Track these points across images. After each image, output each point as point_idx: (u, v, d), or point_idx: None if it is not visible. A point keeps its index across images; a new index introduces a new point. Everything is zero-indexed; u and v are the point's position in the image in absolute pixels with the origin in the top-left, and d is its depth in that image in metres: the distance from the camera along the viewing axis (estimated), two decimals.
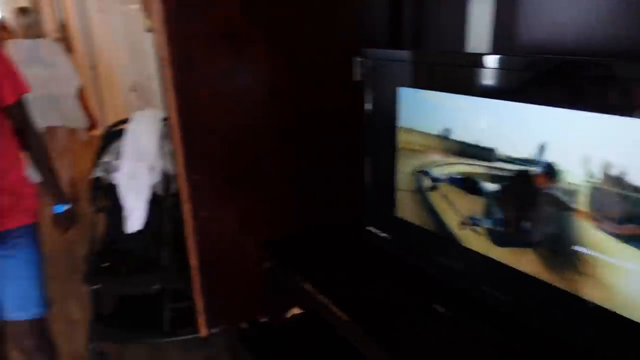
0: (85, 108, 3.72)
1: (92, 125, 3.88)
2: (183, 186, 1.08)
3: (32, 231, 1.47)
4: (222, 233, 1.16)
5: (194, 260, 1.13)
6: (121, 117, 2.46)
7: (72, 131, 3.81)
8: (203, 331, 1.18)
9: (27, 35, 3.44)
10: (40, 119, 1.99)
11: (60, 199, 1.61)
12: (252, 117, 1.10)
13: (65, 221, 1.65)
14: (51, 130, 3.51)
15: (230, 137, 1.08)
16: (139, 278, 1.99)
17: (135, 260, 2.05)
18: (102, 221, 2.26)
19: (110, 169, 2.34)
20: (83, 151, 4.20)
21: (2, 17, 5.28)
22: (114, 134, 2.48)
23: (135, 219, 2.20)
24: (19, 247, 1.42)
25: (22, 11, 3.54)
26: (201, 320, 1.17)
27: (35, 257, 1.49)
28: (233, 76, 1.07)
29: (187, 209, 1.10)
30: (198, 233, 1.12)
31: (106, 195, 2.25)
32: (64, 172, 3.72)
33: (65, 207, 1.62)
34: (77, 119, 3.69)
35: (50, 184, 1.58)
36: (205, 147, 1.06)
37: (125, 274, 2.01)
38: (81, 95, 3.65)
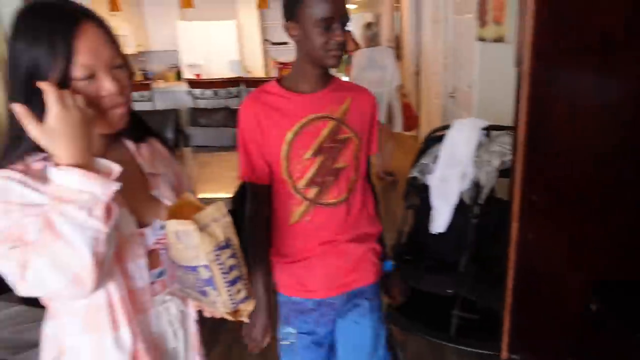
0: (405, 106, 4.24)
1: (410, 126, 4.38)
2: (515, 204, 1.06)
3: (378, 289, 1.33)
4: (545, 259, 1.08)
5: (510, 281, 1.10)
6: (436, 122, 2.64)
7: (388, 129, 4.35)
8: (504, 354, 1.14)
9: (369, 45, 4.15)
10: None
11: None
12: (616, 137, 0.97)
13: (395, 287, 1.41)
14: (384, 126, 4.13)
15: (584, 157, 0.98)
16: (435, 279, 2.08)
17: (435, 261, 2.15)
18: (411, 217, 2.45)
19: (425, 171, 2.52)
20: (398, 149, 4.74)
21: (352, 31, 6.43)
22: (434, 139, 2.65)
23: (440, 221, 2.30)
24: (370, 311, 1.28)
25: (368, 25, 4.37)
26: (504, 341, 1.13)
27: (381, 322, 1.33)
28: (598, 92, 0.96)
29: (514, 227, 1.07)
30: (520, 254, 1.07)
31: (418, 195, 2.43)
32: (378, 166, 4.34)
33: (392, 265, 1.38)
34: (397, 121, 4.26)
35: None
36: (551, 166, 1.00)
37: (423, 271, 2.14)
38: (402, 94, 4.19)
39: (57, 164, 0.71)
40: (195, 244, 0.83)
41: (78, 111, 0.73)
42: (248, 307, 0.93)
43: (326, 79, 1.18)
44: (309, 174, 1.16)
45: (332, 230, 1.20)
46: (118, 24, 6.21)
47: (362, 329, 1.28)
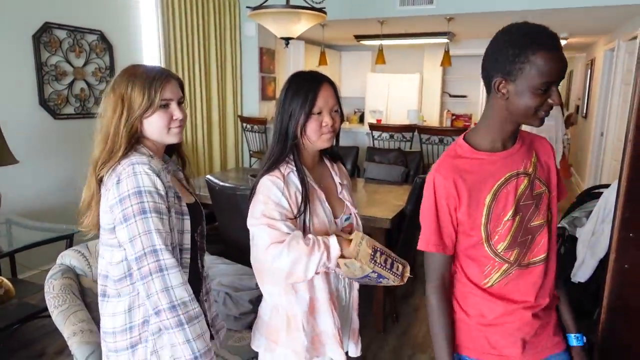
0: (563, 155, 5.43)
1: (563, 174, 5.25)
2: (614, 239, 1.32)
3: None
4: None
5: (604, 300, 1.35)
6: (609, 182, 2.67)
7: None
8: None
9: None
10: None
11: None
12: None
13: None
14: None
15: None
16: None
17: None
18: None
19: (576, 224, 2.64)
20: None
21: None
22: (590, 195, 2.75)
23: (584, 272, 2.42)
24: None
25: None
26: (597, 355, 1.36)
27: None
28: None
29: (611, 259, 1.33)
30: (615, 281, 1.32)
31: (562, 244, 2.57)
32: None
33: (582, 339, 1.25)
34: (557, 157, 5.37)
35: None
36: None
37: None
38: (567, 143, 5.76)
39: (342, 255, 1.23)
40: (358, 267, 1.23)
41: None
42: (407, 271, 1.32)
43: (516, 134, 1.15)
44: (510, 236, 1.11)
45: (533, 294, 1.14)
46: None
47: None
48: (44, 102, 3.42)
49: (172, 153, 1.43)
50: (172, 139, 1.29)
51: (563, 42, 6.64)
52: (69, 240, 2.52)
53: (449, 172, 1.12)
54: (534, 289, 1.15)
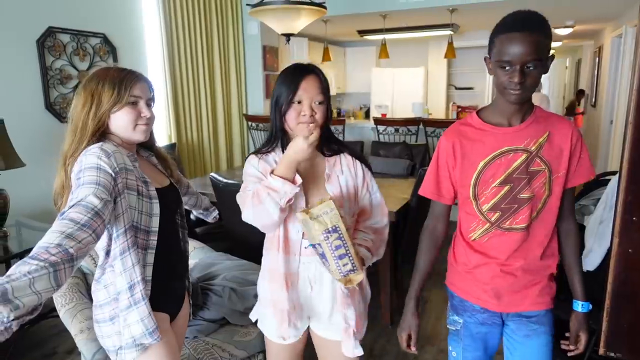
0: None
1: None
2: (617, 223, 1.30)
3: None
4: None
5: (609, 286, 1.33)
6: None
7: None
8: (601, 350, 1.35)
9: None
10: None
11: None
12: None
13: (582, 332, 1.38)
14: None
15: None
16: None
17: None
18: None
19: (583, 212, 2.61)
20: None
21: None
22: (598, 183, 2.72)
23: (590, 260, 2.39)
24: (539, 334, 1.34)
25: None
26: (602, 340, 1.35)
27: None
28: None
29: (615, 242, 1.31)
30: (619, 264, 1.31)
31: None
32: None
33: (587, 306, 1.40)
34: None
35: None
36: None
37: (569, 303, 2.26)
38: None
39: (272, 171, 1.25)
40: (311, 229, 1.21)
41: (307, 152, 1.23)
42: (356, 277, 1.24)
43: (525, 112, 1.24)
44: (494, 200, 1.26)
45: (506, 254, 1.28)
46: (326, 70, 7.42)
47: (531, 345, 1.35)
48: (49, 106, 3.45)
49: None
50: (137, 136, 1.32)
51: (568, 30, 6.56)
52: None
53: (451, 135, 1.30)
54: (507, 250, 1.29)
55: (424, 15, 5.33)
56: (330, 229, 1.21)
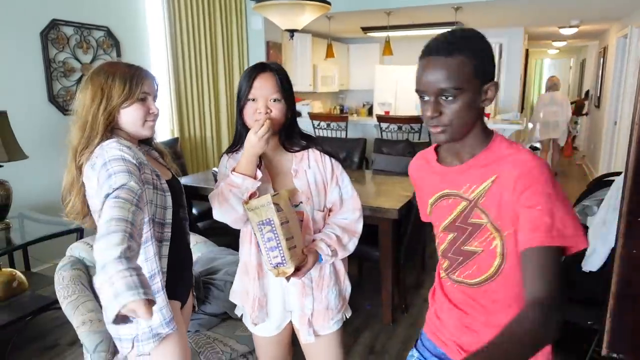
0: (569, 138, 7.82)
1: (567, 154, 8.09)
2: (622, 225, 1.30)
3: None
4: None
5: (613, 286, 1.33)
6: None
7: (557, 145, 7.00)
8: (604, 351, 1.35)
9: (548, 90, 6.80)
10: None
11: None
12: None
13: None
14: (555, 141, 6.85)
15: None
16: (578, 309, 2.19)
17: (582, 295, 2.25)
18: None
19: (586, 212, 2.61)
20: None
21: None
22: (601, 183, 2.72)
23: (593, 260, 2.38)
24: None
25: (550, 78, 6.92)
26: (605, 340, 1.35)
27: None
28: None
29: (619, 244, 1.31)
30: (623, 265, 1.30)
31: None
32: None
33: None
34: (562, 139, 6.91)
35: None
36: None
37: (567, 301, 2.26)
38: (571, 127, 7.53)
39: (234, 169, 1.31)
40: (250, 220, 1.31)
41: (260, 144, 1.28)
42: (286, 270, 1.29)
43: (471, 150, 1.01)
44: (443, 246, 1.10)
45: (466, 305, 1.08)
46: (330, 67, 7.41)
47: None
48: (53, 99, 3.45)
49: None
50: (146, 132, 1.35)
51: (574, 30, 6.56)
52: (80, 233, 2.55)
53: (412, 166, 1.21)
54: (465, 303, 1.08)
55: (429, 13, 5.31)
56: (264, 221, 1.28)
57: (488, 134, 1.02)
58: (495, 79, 0.97)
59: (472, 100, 0.93)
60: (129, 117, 1.30)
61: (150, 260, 1.24)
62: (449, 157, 1.06)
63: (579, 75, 10.54)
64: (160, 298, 1.25)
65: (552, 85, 6.65)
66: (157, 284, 1.25)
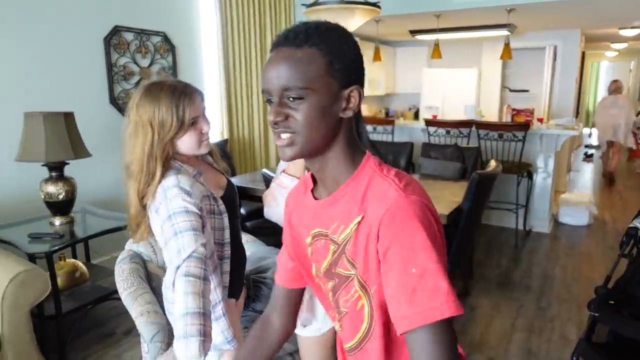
0: (635, 137, 7.65)
1: (633, 156, 7.76)
2: None
3: None
4: None
5: None
6: None
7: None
8: None
9: (611, 93, 6.94)
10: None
11: None
12: None
13: None
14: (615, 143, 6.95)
15: None
16: (634, 324, 2.08)
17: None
18: (624, 265, 2.43)
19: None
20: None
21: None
22: None
23: None
24: None
25: (613, 81, 6.94)
26: None
27: None
28: None
29: None
30: None
31: (636, 245, 2.41)
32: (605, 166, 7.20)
33: None
34: (628, 140, 6.98)
35: None
36: None
37: (627, 317, 2.15)
38: (635, 127, 7.47)
39: (284, 170, 1.42)
40: None
41: None
42: None
43: (338, 178, 0.79)
44: (328, 296, 0.88)
45: None
46: (376, 70, 7.40)
47: None
48: (113, 100, 3.64)
49: None
50: (203, 151, 1.35)
51: (636, 31, 6.21)
52: None
53: (290, 195, 0.98)
54: None
55: (480, 15, 5.19)
56: None
57: (357, 156, 0.79)
58: (362, 85, 0.80)
59: (325, 106, 0.74)
60: (184, 144, 1.29)
61: (213, 292, 1.30)
62: (320, 186, 0.85)
63: (639, 78, 9.96)
64: (222, 323, 1.34)
65: (616, 89, 6.91)
66: (219, 311, 1.33)
